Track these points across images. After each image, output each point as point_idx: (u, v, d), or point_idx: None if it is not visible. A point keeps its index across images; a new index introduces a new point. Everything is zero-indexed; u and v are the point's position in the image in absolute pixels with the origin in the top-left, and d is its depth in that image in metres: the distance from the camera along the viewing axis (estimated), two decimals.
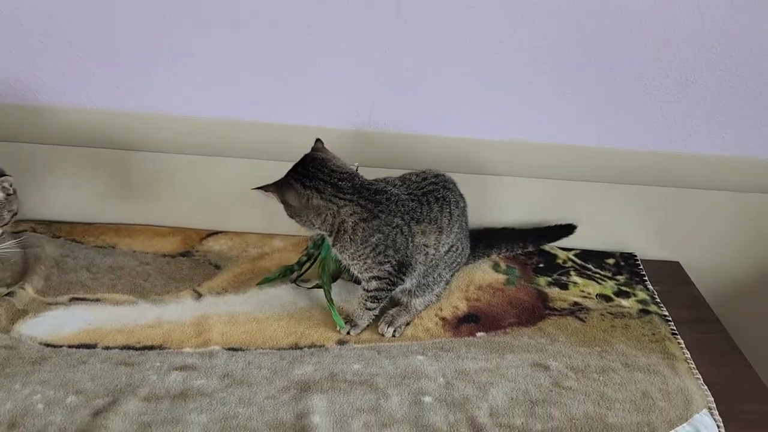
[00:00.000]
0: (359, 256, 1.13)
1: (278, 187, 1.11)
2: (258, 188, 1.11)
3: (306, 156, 1.13)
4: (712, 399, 1.10)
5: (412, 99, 1.34)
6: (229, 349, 1.14)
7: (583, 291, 1.37)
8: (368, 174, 1.17)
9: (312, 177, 1.10)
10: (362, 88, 1.32)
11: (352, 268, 1.17)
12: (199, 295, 1.27)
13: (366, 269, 1.15)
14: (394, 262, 1.13)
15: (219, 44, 1.27)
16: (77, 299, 1.23)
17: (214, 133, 1.36)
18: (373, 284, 1.16)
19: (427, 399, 1.06)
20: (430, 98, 1.34)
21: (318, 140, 1.17)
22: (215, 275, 1.33)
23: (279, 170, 1.37)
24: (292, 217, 1.13)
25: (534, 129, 1.38)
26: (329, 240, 1.14)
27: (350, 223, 1.10)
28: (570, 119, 1.37)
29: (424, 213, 1.14)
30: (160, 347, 1.13)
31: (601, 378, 1.13)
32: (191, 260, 1.37)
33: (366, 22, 1.25)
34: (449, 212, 1.17)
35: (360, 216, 1.10)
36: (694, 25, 1.24)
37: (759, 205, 1.45)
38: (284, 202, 1.11)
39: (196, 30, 1.26)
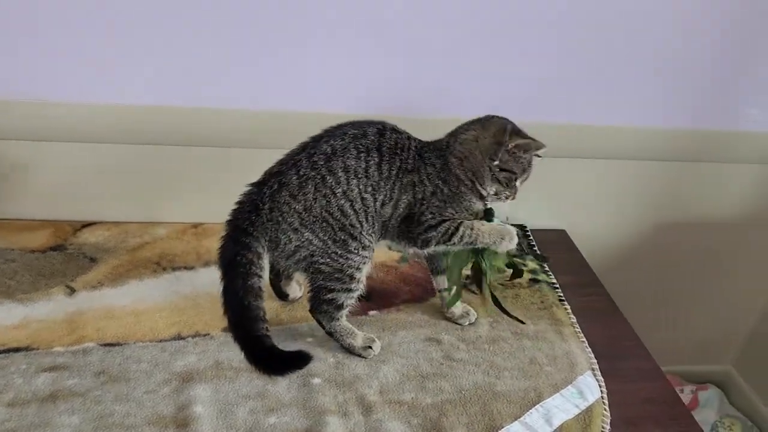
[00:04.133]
0: None
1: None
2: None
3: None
4: (595, 360, 1.14)
5: None
6: (104, 345, 1.07)
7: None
8: None
9: None
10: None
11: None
12: (73, 291, 1.19)
13: None
14: None
15: (87, 25, 1.19)
16: None
17: (85, 117, 1.27)
18: None
19: (316, 380, 1.03)
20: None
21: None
22: (91, 269, 1.25)
23: (162, 155, 1.32)
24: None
25: (422, 100, 1.37)
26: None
27: None
28: (460, 91, 1.37)
29: None
30: (27, 348, 1.05)
31: (491, 348, 1.15)
32: (64, 254, 1.29)
33: None
34: None
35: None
36: None
37: (636, 171, 1.52)
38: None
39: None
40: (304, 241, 1.01)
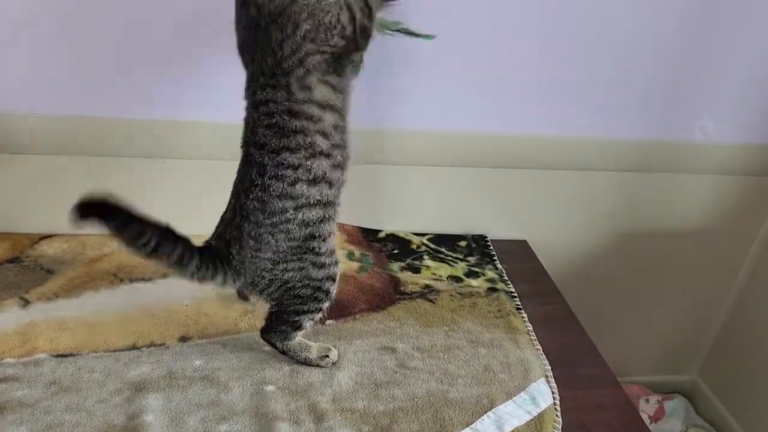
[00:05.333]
0: None
1: None
2: None
3: None
4: (550, 367, 1.15)
5: None
6: (57, 356, 1.07)
7: (434, 274, 1.40)
8: None
9: None
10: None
11: None
12: (27, 302, 1.18)
13: None
14: None
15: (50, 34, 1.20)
16: None
17: (39, 129, 1.28)
18: None
19: (270, 388, 1.04)
20: None
21: None
22: (47, 281, 1.24)
23: (122, 167, 1.32)
24: None
25: (385, 113, 1.39)
26: None
27: None
28: (420, 102, 1.38)
29: None
30: None
31: (445, 356, 1.15)
32: (20, 266, 1.28)
33: None
34: None
35: None
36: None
37: (595, 181, 1.54)
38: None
39: None
40: (277, 274, 1.01)
